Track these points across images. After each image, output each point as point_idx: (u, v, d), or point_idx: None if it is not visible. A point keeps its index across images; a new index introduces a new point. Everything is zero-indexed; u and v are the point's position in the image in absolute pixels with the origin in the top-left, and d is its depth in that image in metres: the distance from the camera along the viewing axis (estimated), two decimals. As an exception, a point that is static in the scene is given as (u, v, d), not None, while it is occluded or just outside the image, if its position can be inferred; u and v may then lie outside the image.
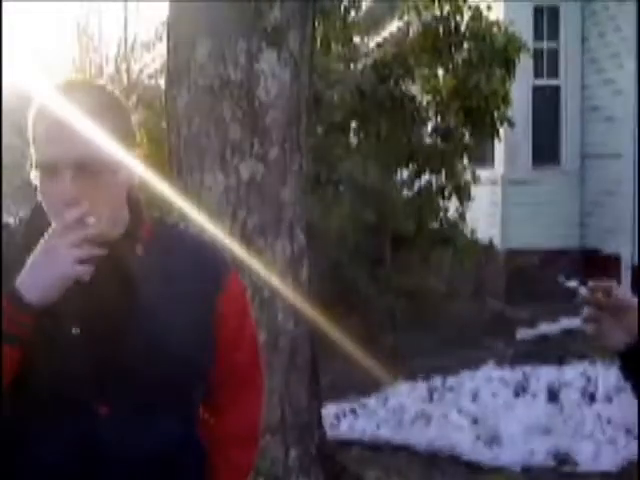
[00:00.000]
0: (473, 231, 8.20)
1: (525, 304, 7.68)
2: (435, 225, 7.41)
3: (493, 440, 4.58)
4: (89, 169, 1.35)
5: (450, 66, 7.05)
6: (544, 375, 5.60)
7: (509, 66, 6.97)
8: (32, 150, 1.38)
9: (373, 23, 8.66)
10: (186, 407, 1.50)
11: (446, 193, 7.17)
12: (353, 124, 6.95)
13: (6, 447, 1.43)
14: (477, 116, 6.95)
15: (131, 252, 1.45)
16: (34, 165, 1.37)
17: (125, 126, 1.44)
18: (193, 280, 1.49)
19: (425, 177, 7.17)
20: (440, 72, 7.30)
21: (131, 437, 1.41)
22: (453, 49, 6.96)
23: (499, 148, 8.76)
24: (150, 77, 8.83)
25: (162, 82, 6.04)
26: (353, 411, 5.09)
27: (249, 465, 1.67)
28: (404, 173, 7.29)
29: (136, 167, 1.45)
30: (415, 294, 7.03)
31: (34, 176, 1.38)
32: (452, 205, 7.43)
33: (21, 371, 1.38)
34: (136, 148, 1.46)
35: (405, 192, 7.26)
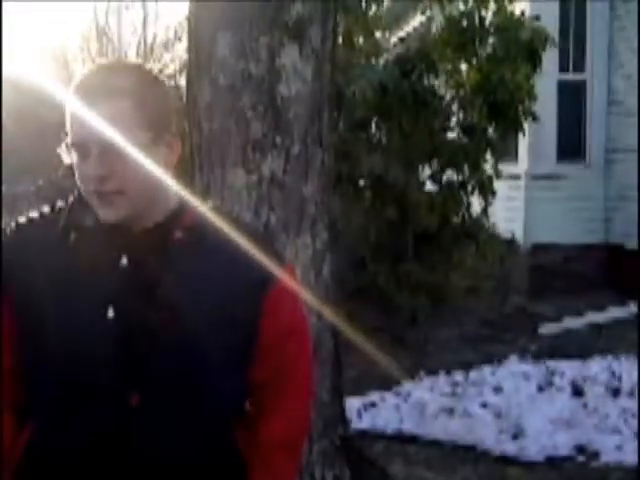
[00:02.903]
0: (496, 227, 8.17)
1: (548, 300, 7.64)
2: (458, 221, 7.38)
3: (517, 433, 4.57)
4: (117, 150, 1.34)
5: (474, 60, 6.99)
6: (568, 370, 5.58)
7: (534, 59, 6.90)
8: (67, 130, 1.38)
9: (395, 18, 8.62)
10: (221, 403, 1.45)
11: (469, 189, 7.13)
12: (375, 120, 6.92)
13: (38, 430, 1.42)
14: (501, 111, 6.88)
15: (169, 237, 1.41)
16: (70, 143, 1.37)
17: (163, 105, 1.41)
18: (238, 271, 1.43)
19: (448, 173, 7.14)
20: (464, 67, 7.26)
21: (161, 431, 1.39)
22: (477, 43, 6.90)
23: (523, 143, 8.69)
24: (170, 77, 8.86)
25: (182, 82, 6.06)
26: (375, 405, 5.11)
27: (291, 472, 1.58)
28: (427, 169, 7.26)
29: (175, 148, 1.43)
30: (437, 290, 7.02)
31: (69, 155, 1.38)
32: (475, 201, 7.40)
33: (53, 353, 1.38)
34: (174, 129, 1.43)
35: (428, 188, 7.24)
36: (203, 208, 1.49)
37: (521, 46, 6.75)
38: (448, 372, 5.67)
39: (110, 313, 1.37)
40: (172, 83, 8.63)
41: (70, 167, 1.42)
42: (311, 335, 1.64)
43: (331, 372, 3.44)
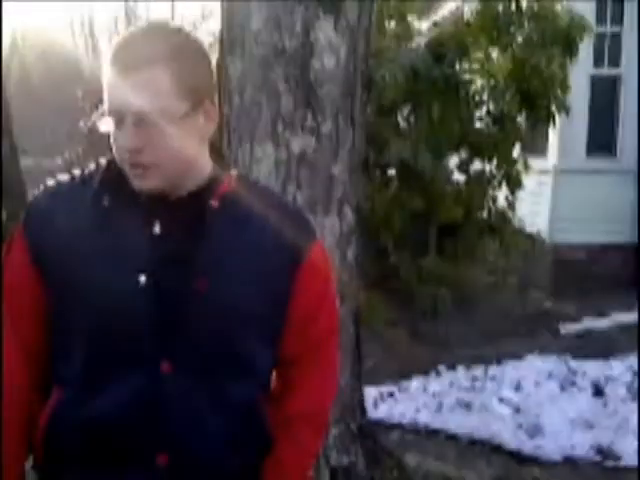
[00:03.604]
0: (521, 222, 8.06)
1: (571, 298, 7.54)
2: (483, 214, 7.28)
3: (535, 431, 4.50)
4: (158, 119, 1.30)
5: (508, 48, 6.85)
6: (590, 369, 5.49)
7: (571, 48, 6.74)
8: (104, 97, 1.34)
9: (428, 2, 8.49)
10: (252, 372, 1.44)
11: (496, 181, 7.02)
12: (404, 105, 6.82)
13: (66, 399, 1.41)
14: (533, 101, 6.75)
15: (204, 205, 1.39)
16: (106, 112, 1.34)
17: (201, 73, 1.37)
18: (272, 242, 1.41)
19: (476, 164, 7.03)
20: (496, 54, 7.12)
21: (192, 398, 1.37)
22: (512, 29, 6.76)
23: (553, 137, 8.56)
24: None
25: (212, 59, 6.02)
26: (393, 395, 5.05)
27: (317, 447, 1.61)
28: (455, 158, 7.16)
29: (212, 118, 1.39)
30: (459, 283, 6.94)
31: (106, 122, 1.34)
32: (501, 194, 7.29)
33: (83, 320, 1.36)
34: (211, 96, 1.39)
35: (455, 178, 7.14)
36: (238, 178, 1.47)
37: (558, 34, 6.59)
38: (467, 366, 5.60)
39: (142, 280, 1.35)
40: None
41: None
42: (338, 313, 1.60)
43: (351, 358, 3.38)
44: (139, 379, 1.36)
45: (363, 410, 3.51)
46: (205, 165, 1.41)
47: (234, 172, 1.48)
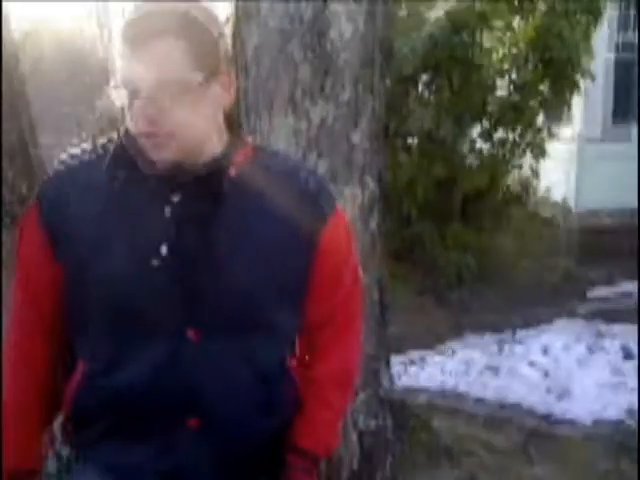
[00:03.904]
0: (547, 189, 8.00)
1: (598, 264, 7.49)
2: (508, 182, 7.24)
3: (564, 394, 4.50)
4: (174, 88, 1.30)
5: (530, 16, 6.76)
6: (618, 333, 5.47)
7: (595, 15, 6.64)
8: (117, 68, 1.35)
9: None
10: (277, 337, 1.45)
11: (520, 149, 6.96)
12: (424, 75, 6.77)
13: (91, 371, 1.43)
14: (557, 69, 6.66)
15: (222, 175, 1.39)
16: (120, 83, 1.33)
17: (216, 44, 1.36)
18: (291, 210, 1.41)
19: (499, 133, 6.97)
20: (518, 22, 7.03)
21: (220, 364, 1.38)
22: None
23: (577, 104, 8.45)
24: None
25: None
26: (420, 362, 5.08)
27: (345, 406, 1.63)
28: (477, 128, 7.10)
29: (228, 87, 1.39)
30: (485, 251, 6.92)
31: (120, 95, 1.34)
32: (526, 163, 7.23)
33: (105, 292, 1.37)
34: (226, 66, 1.39)
35: (478, 147, 7.09)
36: (255, 148, 1.47)
37: (581, 1, 6.49)
38: (494, 332, 5.60)
39: (164, 250, 1.35)
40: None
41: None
42: (361, 277, 1.62)
43: (376, 326, 3.41)
44: (166, 347, 1.37)
45: (390, 376, 3.54)
46: (221, 135, 1.42)
47: (250, 141, 1.48)
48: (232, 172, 1.39)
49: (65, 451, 1.53)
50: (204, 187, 1.38)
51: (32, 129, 2.72)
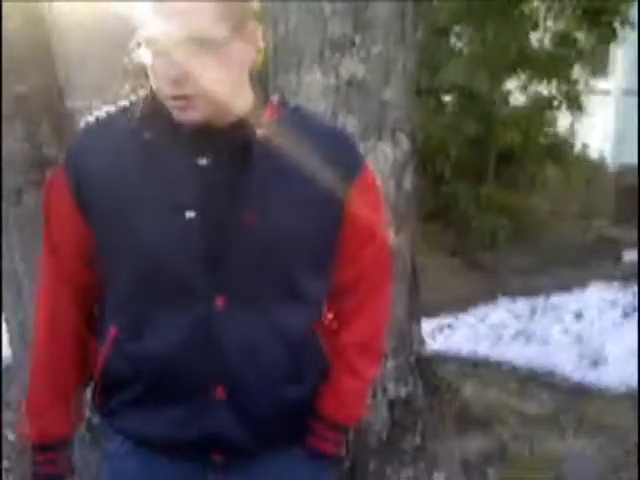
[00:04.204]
0: (585, 146, 7.78)
1: (634, 224, 7.31)
2: (543, 139, 7.05)
3: (597, 360, 4.41)
4: (198, 46, 1.24)
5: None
6: (655, 296, 5.33)
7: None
8: (140, 26, 1.28)
9: None
10: (305, 303, 1.42)
11: (557, 103, 6.76)
12: (457, 27, 6.57)
13: (119, 338, 1.41)
14: (595, 18, 6.41)
15: (250, 134, 1.34)
16: (143, 42, 1.28)
17: None
18: (321, 169, 1.37)
19: (535, 86, 6.77)
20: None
21: (248, 330, 1.36)
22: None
23: (616, 55, 8.17)
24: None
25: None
26: (451, 326, 5.01)
27: (372, 375, 1.58)
28: (513, 82, 6.90)
29: (255, 44, 1.34)
30: (519, 212, 6.79)
31: (143, 53, 1.29)
32: (563, 118, 7.03)
33: (131, 259, 1.35)
34: (255, 23, 1.33)
35: (513, 102, 6.90)
36: (282, 105, 1.42)
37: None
38: (527, 296, 5.50)
39: (190, 215, 1.32)
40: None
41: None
42: (389, 243, 1.57)
43: (408, 289, 3.33)
44: (193, 314, 1.34)
45: (421, 341, 3.47)
46: (248, 93, 1.37)
47: (276, 99, 1.42)
48: (259, 132, 1.35)
49: (96, 419, 1.52)
50: (231, 148, 1.35)
51: (60, 92, 2.66)
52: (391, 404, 3.13)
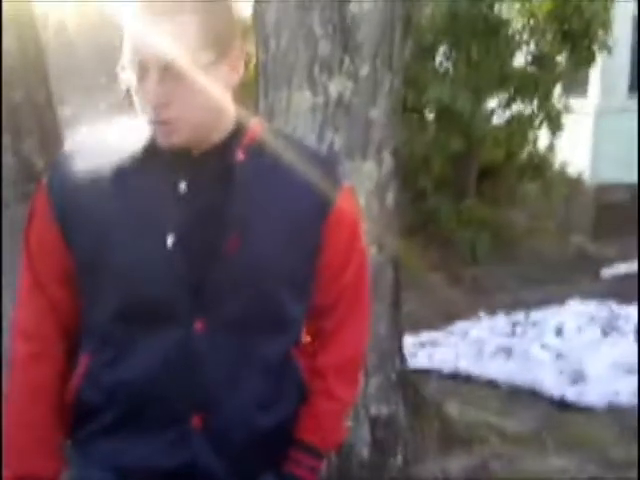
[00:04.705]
0: (563, 164, 7.88)
1: (613, 241, 7.39)
2: (524, 156, 7.13)
3: (577, 377, 4.44)
4: (178, 71, 1.24)
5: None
6: (633, 313, 5.39)
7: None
8: (124, 49, 1.29)
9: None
10: (284, 328, 1.41)
11: (537, 122, 6.85)
12: (443, 47, 6.65)
13: (95, 363, 1.39)
14: (575, 41, 6.55)
15: (231, 158, 1.34)
16: (128, 65, 1.28)
17: (227, 22, 1.31)
18: (300, 192, 1.37)
19: (516, 105, 6.86)
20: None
21: (227, 356, 1.35)
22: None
23: (593, 77, 8.29)
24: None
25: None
26: (432, 342, 5.02)
27: (350, 398, 1.57)
28: (494, 101, 6.99)
29: (239, 67, 1.33)
30: (499, 227, 6.84)
31: (127, 76, 1.28)
32: (542, 136, 7.12)
33: (112, 284, 1.33)
34: (237, 45, 1.33)
35: (495, 120, 6.98)
36: (261, 128, 1.42)
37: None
38: (507, 312, 5.54)
39: (170, 241, 1.31)
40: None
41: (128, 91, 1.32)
42: (369, 262, 1.56)
43: (390, 306, 3.35)
44: (171, 340, 1.33)
45: (402, 358, 3.48)
46: (229, 116, 1.37)
47: (257, 121, 1.42)
48: (240, 156, 1.35)
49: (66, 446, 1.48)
50: (212, 173, 1.34)
51: (50, 103, 2.66)
52: (373, 424, 3.14)
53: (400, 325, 3.49)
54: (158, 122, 1.29)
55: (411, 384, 3.52)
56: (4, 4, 2.45)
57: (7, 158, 2.53)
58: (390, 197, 3.22)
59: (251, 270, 1.34)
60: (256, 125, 1.41)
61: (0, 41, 2.41)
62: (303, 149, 1.48)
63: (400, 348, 3.47)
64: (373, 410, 3.16)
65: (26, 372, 1.42)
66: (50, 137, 2.65)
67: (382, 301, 3.29)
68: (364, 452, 3.09)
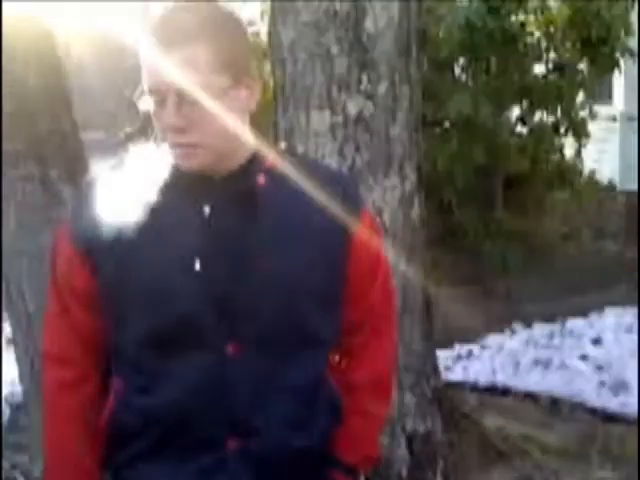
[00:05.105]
0: (592, 171, 7.79)
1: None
2: (550, 165, 7.06)
3: (619, 388, 4.34)
4: (194, 96, 1.26)
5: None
6: (672, 320, 5.28)
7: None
8: (144, 74, 1.31)
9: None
10: (315, 348, 1.42)
11: (562, 130, 6.79)
12: (461, 60, 6.63)
13: (127, 390, 1.40)
14: (596, 47, 6.48)
15: (252, 182, 1.36)
16: (146, 90, 1.30)
17: (241, 47, 1.33)
18: (322, 214, 1.38)
19: (539, 114, 6.81)
20: (554, 3, 6.85)
21: (259, 376, 1.35)
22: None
23: (618, 83, 8.21)
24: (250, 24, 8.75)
25: (261, 29, 5.95)
26: (467, 356, 4.96)
27: (383, 413, 1.58)
28: (516, 110, 6.94)
29: (255, 90, 1.35)
30: (529, 237, 6.77)
31: (146, 102, 1.31)
32: (568, 144, 7.05)
33: (144, 306, 1.34)
34: (253, 68, 1.35)
35: (518, 130, 6.92)
36: (281, 151, 1.45)
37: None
38: (543, 323, 5.45)
39: (197, 266, 1.32)
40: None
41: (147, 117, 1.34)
42: (398, 277, 1.59)
43: (421, 320, 3.33)
44: (203, 364, 1.33)
45: (437, 372, 3.45)
46: (248, 140, 1.38)
47: (276, 146, 1.46)
48: (261, 180, 1.37)
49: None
50: (234, 197, 1.35)
51: (75, 131, 2.71)
52: (410, 440, 3.11)
53: (433, 339, 3.46)
54: (177, 146, 1.31)
55: (448, 398, 3.48)
56: (23, 31, 2.51)
57: (34, 185, 2.58)
58: (415, 212, 3.22)
59: (280, 292, 1.35)
60: (275, 148, 1.43)
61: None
62: (323, 171, 1.51)
63: (434, 363, 3.44)
64: (409, 426, 3.12)
65: (60, 398, 1.44)
66: (76, 164, 2.69)
67: (413, 316, 3.27)
68: (403, 470, 3.06)
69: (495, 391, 4.40)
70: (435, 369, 3.42)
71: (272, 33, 3.18)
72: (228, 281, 1.32)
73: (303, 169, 1.42)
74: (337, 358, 1.51)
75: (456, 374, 4.64)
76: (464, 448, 3.25)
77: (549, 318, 5.51)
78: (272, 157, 1.40)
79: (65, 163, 2.64)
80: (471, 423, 3.47)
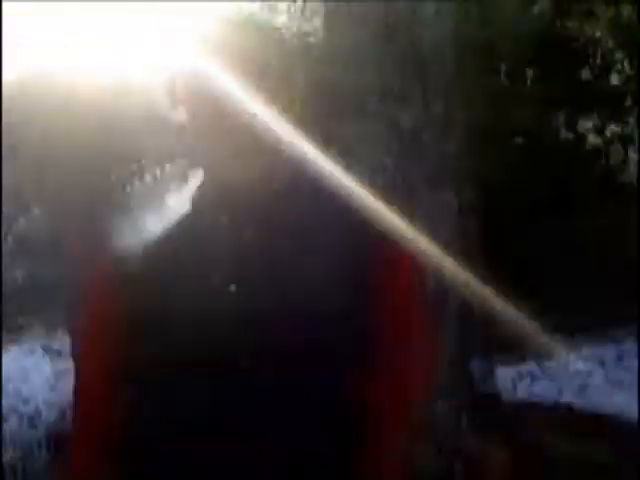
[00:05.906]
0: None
1: None
2: (624, 179, 6.89)
3: None
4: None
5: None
6: None
7: None
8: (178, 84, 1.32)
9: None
10: (342, 362, 1.38)
11: (637, 142, 6.61)
12: (527, 70, 6.53)
13: (151, 407, 1.38)
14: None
15: (270, 189, 1.34)
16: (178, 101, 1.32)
17: (278, 53, 1.32)
18: (347, 228, 1.35)
19: (612, 126, 6.64)
20: (628, 11, 6.68)
21: (284, 394, 1.33)
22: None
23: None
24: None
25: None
26: (531, 375, 4.84)
27: (400, 432, 1.50)
28: (587, 122, 6.79)
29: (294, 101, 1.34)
30: (593, 248, 6.57)
31: (179, 113, 1.32)
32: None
33: (170, 329, 1.33)
34: (295, 80, 1.35)
35: (589, 142, 6.77)
36: (298, 170, 1.39)
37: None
38: (613, 340, 5.27)
39: (228, 285, 1.31)
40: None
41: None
42: (422, 290, 1.56)
43: (480, 340, 3.27)
44: (233, 382, 1.32)
45: (498, 394, 3.38)
46: (277, 151, 1.35)
47: (293, 163, 1.40)
48: (276, 186, 1.35)
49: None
50: (253, 206, 1.34)
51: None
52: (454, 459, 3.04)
53: (493, 360, 3.40)
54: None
55: (509, 420, 3.40)
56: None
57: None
58: (471, 225, 3.19)
59: (309, 306, 1.32)
60: (293, 165, 1.39)
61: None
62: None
63: (494, 384, 3.37)
64: (444, 440, 3.06)
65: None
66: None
67: (471, 335, 3.24)
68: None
69: (560, 411, 4.27)
70: (495, 390, 3.35)
71: (326, 43, 3.19)
72: (250, 299, 1.31)
73: (325, 187, 1.37)
74: (361, 374, 1.44)
75: (519, 393, 4.53)
76: (525, 468, 3.14)
77: (619, 335, 5.33)
78: (287, 170, 1.36)
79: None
80: (534, 445, 3.38)
